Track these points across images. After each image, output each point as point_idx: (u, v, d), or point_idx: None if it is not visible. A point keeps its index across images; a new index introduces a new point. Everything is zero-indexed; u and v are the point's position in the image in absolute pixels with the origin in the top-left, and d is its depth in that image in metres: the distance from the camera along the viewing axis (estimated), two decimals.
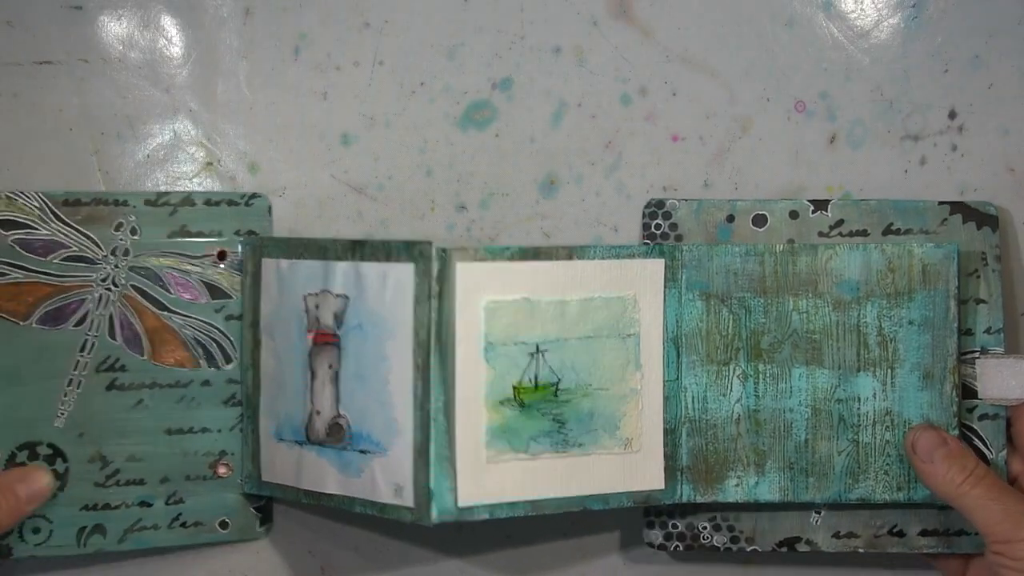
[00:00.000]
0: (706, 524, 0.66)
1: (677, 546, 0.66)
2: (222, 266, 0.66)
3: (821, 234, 0.65)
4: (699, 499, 0.64)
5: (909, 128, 0.68)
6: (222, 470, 0.66)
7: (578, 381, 0.62)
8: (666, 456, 0.64)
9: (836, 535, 0.65)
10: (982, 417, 0.64)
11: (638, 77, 0.69)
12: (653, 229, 0.66)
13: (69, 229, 0.64)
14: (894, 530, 0.65)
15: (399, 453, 0.59)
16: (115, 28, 0.67)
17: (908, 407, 0.64)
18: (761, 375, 0.64)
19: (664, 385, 0.64)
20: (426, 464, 0.59)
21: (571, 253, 0.62)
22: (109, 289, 0.64)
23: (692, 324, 0.64)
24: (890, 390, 0.64)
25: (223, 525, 0.67)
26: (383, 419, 0.60)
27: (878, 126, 0.68)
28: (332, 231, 0.68)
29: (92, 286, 0.64)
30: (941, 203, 0.65)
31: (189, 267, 0.66)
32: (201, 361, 0.66)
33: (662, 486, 0.63)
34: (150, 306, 0.65)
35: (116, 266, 0.65)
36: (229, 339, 0.66)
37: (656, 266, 0.64)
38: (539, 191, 0.69)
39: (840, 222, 0.66)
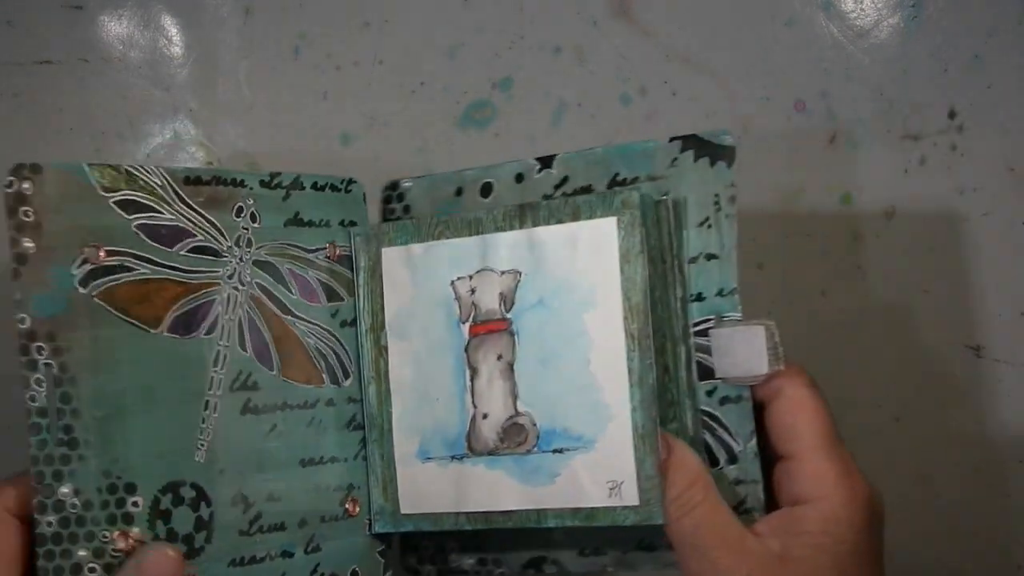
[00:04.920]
0: None
1: None
2: (335, 263, 0.56)
3: (546, 196, 0.56)
4: None
5: (909, 128, 0.68)
6: (352, 507, 0.55)
7: None
8: None
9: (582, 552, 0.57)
10: (724, 400, 0.53)
11: (638, 77, 0.69)
12: (387, 215, 0.59)
13: (193, 213, 0.52)
14: (643, 544, 0.56)
15: (613, 443, 0.51)
16: (115, 28, 0.67)
17: None
18: None
19: None
20: (653, 449, 0.50)
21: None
22: (236, 288, 0.53)
23: None
24: None
25: None
26: (587, 406, 0.52)
27: (878, 126, 0.68)
28: None
29: (220, 284, 0.52)
30: (672, 139, 0.55)
31: (306, 263, 0.55)
32: (324, 376, 0.55)
33: None
34: (276, 309, 0.54)
35: (241, 260, 0.53)
36: (346, 349, 0.56)
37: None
38: None
39: (565, 179, 0.56)
